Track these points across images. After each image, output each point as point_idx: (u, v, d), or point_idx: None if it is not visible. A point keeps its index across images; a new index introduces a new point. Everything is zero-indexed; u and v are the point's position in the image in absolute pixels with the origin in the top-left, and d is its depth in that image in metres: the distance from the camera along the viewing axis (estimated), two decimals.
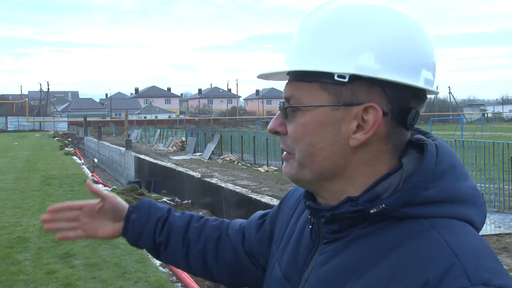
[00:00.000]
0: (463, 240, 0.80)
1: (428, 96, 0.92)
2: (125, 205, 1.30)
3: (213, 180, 12.97)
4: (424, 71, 0.87)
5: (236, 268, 1.26)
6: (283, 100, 0.93)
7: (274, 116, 0.95)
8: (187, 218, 1.31)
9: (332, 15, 0.87)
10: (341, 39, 0.84)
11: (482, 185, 9.94)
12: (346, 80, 0.83)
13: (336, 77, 0.83)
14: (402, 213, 0.83)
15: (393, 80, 0.84)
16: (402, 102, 0.86)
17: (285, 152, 0.93)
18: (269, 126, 0.95)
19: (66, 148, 32.40)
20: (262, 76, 0.98)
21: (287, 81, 0.94)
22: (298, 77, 0.89)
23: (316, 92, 0.87)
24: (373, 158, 0.88)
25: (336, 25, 0.86)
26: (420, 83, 0.86)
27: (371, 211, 0.84)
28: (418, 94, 0.87)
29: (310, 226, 0.96)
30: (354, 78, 0.84)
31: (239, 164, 18.22)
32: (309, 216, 0.96)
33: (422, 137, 0.92)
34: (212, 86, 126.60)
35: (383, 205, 0.83)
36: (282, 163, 0.96)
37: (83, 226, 1.28)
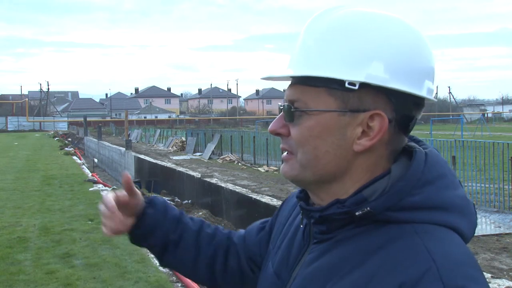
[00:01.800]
0: (443, 247, 0.81)
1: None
2: (142, 198, 1.22)
3: (213, 180, 12.97)
4: (427, 81, 0.90)
5: (239, 276, 1.26)
6: (286, 103, 0.93)
7: (276, 117, 0.96)
8: (199, 222, 1.29)
9: (340, 21, 0.89)
10: (352, 47, 0.86)
11: (482, 185, 9.94)
12: (356, 88, 0.85)
13: (346, 85, 0.85)
14: (386, 217, 0.85)
15: (400, 90, 0.86)
16: (405, 110, 0.89)
17: (285, 153, 0.95)
18: (270, 128, 0.96)
19: (66, 148, 32.39)
20: (268, 78, 0.99)
21: (289, 82, 0.95)
22: (304, 81, 0.90)
23: (323, 97, 0.88)
24: (373, 163, 0.90)
25: (345, 32, 0.87)
26: (423, 93, 0.89)
27: (357, 213, 0.86)
28: (419, 102, 0.90)
29: (302, 226, 0.99)
30: (362, 85, 0.86)
31: (239, 164, 18.22)
32: (301, 216, 0.99)
33: (415, 144, 0.94)
34: (212, 86, 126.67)
35: (368, 208, 0.85)
36: (282, 163, 0.97)
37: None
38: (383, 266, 0.81)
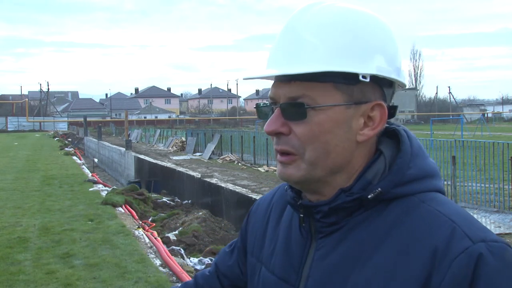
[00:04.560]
0: (450, 208, 0.89)
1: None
2: None
3: (213, 180, 12.97)
4: (403, 72, 0.98)
5: None
6: (284, 101, 0.91)
7: (270, 117, 0.93)
8: None
9: (337, 16, 0.91)
10: (358, 41, 0.90)
11: (482, 185, 9.93)
12: (368, 80, 0.89)
13: (360, 78, 0.89)
14: (395, 194, 0.90)
15: (399, 81, 0.95)
16: (390, 100, 0.97)
17: (284, 156, 0.93)
18: (268, 128, 0.93)
19: (66, 148, 32.38)
20: (252, 78, 0.95)
21: (274, 80, 0.95)
22: (307, 77, 0.88)
23: (331, 92, 0.90)
24: (369, 151, 0.96)
25: (347, 27, 0.90)
26: (406, 83, 0.99)
27: (369, 196, 0.90)
28: (394, 91, 0.98)
29: (304, 225, 0.98)
30: (371, 78, 0.91)
31: (239, 164, 18.22)
32: (301, 215, 0.98)
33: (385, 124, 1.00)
34: (212, 86, 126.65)
35: (379, 189, 0.90)
36: (279, 166, 0.95)
37: None
38: (407, 238, 0.86)
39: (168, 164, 17.77)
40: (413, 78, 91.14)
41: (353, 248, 0.90)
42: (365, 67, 0.89)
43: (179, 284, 1.29)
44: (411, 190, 0.90)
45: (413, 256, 0.84)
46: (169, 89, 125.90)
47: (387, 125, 0.98)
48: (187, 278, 6.19)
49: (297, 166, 0.92)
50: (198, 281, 1.26)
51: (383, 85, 0.93)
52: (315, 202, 0.95)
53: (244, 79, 0.96)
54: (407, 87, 1.02)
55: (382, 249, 0.87)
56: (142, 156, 20.58)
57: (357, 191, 0.91)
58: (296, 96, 0.90)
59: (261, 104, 0.99)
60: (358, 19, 0.92)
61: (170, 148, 27.10)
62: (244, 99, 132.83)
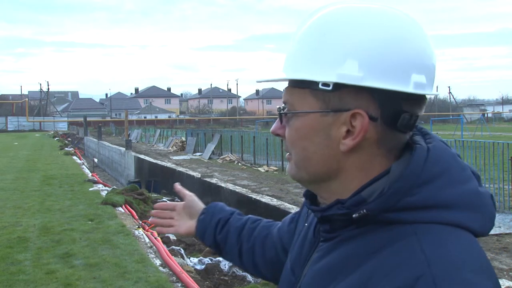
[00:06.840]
0: (442, 248, 0.78)
1: (428, 97, 0.91)
2: (201, 206, 1.47)
3: (213, 180, 12.97)
4: (415, 75, 0.85)
5: (277, 265, 1.27)
6: (282, 105, 0.97)
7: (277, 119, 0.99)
8: (245, 219, 1.41)
9: (318, 22, 0.89)
10: (326, 47, 0.86)
11: (482, 185, 9.91)
12: (330, 88, 0.85)
13: (320, 86, 0.86)
14: (386, 218, 0.83)
15: (377, 87, 0.83)
16: (393, 106, 0.85)
17: (288, 153, 0.98)
18: (271, 129, 0.99)
19: (66, 148, 32.34)
20: (263, 81, 1.02)
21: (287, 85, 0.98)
22: (293, 83, 0.92)
23: (307, 98, 0.89)
24: (366, 162, 0.88)
25: (321, 33, 0.87)
26: (409, 88, 0.84)
27: (354, 215, 0.85)
28: (411, 97, 0.85)
29: (307, 224, 1.02)
30: (341, 85, 0.85)
31: (239, 164, 18.23)
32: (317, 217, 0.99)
33: (420, 139, 0.90)
34: (212, 86, 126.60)
35: (364, 210, 0.84)
36: (283, 163, 1.00)
37: (173, 223, 1.47)
38: (379, 268, 0.79)
39: (168, 164, 17.78)
40: None
41: (337, 261, 0.88)
42: (326, 75, 0.85)
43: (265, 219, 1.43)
44: (408, 218, 0.82)
45: None
46: (169, 89, 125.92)
47: (418, 137, 0.89)
48: (187, 278, 6.19)
49: (291, 165, 0.96)
50: (275, 228, 1.34)
51: (374, 91, 0.84)
52: (311, 206, 0.96)
53: (257, 81, 1.02)
54: (421, 92, 0.84)
55: (358, 272, 0.82)
56: (142, 156, 20.59)
57: (348, 206, 0.86)
58: (284, 101, 0.95)
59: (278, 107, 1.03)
60: (338, 20, 0.86)
61: (170, 148, 27.11)
62: (244, 99, 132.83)
